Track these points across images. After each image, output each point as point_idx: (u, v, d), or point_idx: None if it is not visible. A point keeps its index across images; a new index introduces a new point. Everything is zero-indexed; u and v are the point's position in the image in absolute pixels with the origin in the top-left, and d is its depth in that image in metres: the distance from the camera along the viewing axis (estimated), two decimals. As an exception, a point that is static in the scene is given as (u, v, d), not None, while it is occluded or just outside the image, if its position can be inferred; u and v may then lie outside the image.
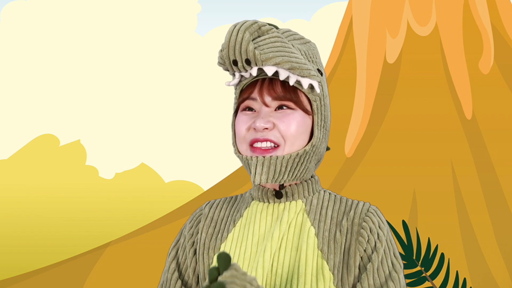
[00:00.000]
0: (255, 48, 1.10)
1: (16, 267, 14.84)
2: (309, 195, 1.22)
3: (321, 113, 1.19)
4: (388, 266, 1.17)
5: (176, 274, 1.27)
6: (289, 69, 1.11)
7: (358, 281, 1.15)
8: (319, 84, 1.18)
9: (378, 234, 1.17)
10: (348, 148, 12.38)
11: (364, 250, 1.15)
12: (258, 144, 1.15)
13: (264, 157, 1.13)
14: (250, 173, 1.16)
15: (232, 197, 1.31)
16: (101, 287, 11.07)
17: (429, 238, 2.42)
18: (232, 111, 1.24)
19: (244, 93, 1.18)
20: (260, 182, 1.14)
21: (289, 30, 1.21)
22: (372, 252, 1.15)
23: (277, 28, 1.20)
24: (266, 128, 1.14)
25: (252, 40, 1.11)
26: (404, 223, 2.41)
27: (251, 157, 1.15)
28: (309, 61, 1.19)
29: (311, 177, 1.25)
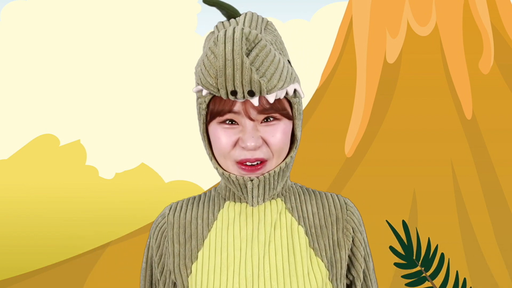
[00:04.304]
0: (257, 73, 0.97)
1: (16, 267, 14.84)
2: (286, 192, 1.18)
3: (299, 113, 1.13)
4: (368, 255, 1.24)
5: None
6: (286, 87, 1.04)
7: (352, 271, 1.21)
8: (299, 86, 1.12)
9: (361, 225, 1.21)
10: (348, 148, 12.38)
11: (352, 242, 1.18)
12: (248, 163, 1.07)
13: (258, 178, 1.07)
14: (241, 193, 1.10)
15: (195, 197, 1.23)
16: (101, 287, 11.06)
17: (429, 238, 2.42)
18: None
19: (218, 103, 1.05)
20: (258, 205, 1.09)
21: (252, 16, 1.08)
22: (361, 244, 1.20)
23: (234, 16, 1.08)
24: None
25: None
26: (404, 223, 2.41)
27: (243, 178, 1.08)
28: (280, 54, 1.08)
29: None
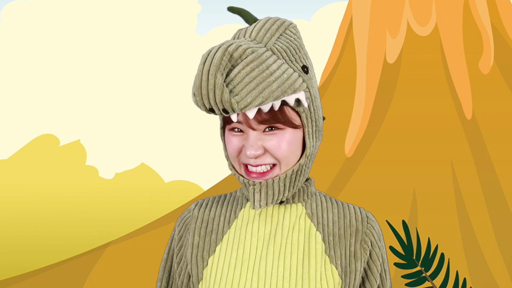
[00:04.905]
0: (230, 93, 1.00)
1: (16, 267, 14.85)
2: (307, 198, 1.21)
3: (311, 121, 1.15)
4: (386, 272, 1.24)
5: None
6: (272, 101, 1.05)
7: (366, 284, 1.21)
8: (306, 94, 1.12)
9: (380, 240, 1.22)
10: (348, 148, 12.38)
11: (369, 256, 1.19)
12: (252, 169, 1.12)
13: (260, 183, 1.11)
14: (248, 194, 1.13)
15: (221, 196, 1.27)
16: (101, 287, 11.07)
17: (429, 238, 2.42)
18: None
19: None
20: (260, 208, 1.12)
21: (265, 23, 1.10)
22: (378, 259, 1.21)
23: (251, 22, 1.11)
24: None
25: (226, 78, 1.01)
26: (404, 223, 2.41)
27: (248, 182, 1.12)
28: (291, 61, 1.11)
29: (307, 179, 1.24)
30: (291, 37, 1.14)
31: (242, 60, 1.02)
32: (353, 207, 1.23)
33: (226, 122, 1.13)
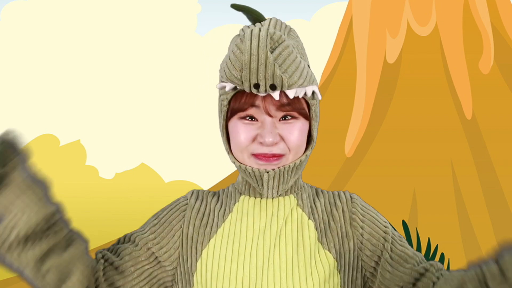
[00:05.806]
0: (279, 69, 1.02)
1: (16, 267, 14.82)
2: (298, 190, 1.24)
3: (317, 115, 1.21)
4: (388, 240, 1.23)
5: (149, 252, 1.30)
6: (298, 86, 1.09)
7: (371, 258, 1.21)
8: (318, 89, 1.19)
9: (367, 214, 1.24)
10: (348, 148, 12.38)
11: (362, 235, 1.21)
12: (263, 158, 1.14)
13: (274, 170, 1.13)
14: (257, 184, 1.15)
15: (214, 192, 1.28)
16: (101, 287, 11.05)
17: (429, 238, 2.43)
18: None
19: (240, 98, 1.12)
20: (273, 196, 1.15)
21: (275, 23, 1.12)
22: (373, 230, 1.22)
23: (257, 19, 1.13)
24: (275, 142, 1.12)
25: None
26: (404, 223, 2.41)
27: (259, 170, 1.13)
28: (302, 58, 1.14)
29: None
30: (295, 38, 1.17)
31: (279, 44, 1.05)
32: (338, 192, 1.26)
33: (238, 109, 1.12)
